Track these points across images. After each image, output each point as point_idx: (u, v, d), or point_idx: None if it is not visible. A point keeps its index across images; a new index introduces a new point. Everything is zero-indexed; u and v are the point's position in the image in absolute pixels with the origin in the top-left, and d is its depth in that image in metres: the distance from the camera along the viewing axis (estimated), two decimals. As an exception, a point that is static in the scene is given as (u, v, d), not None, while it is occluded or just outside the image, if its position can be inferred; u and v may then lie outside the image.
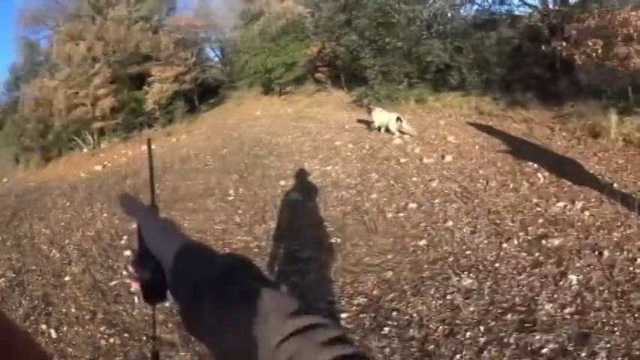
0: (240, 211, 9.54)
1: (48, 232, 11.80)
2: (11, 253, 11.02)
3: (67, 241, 10.57)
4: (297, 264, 6.68)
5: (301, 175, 10.66)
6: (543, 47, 12.54)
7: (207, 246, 0.92)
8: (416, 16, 15.70)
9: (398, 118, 12.21)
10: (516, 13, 15.49)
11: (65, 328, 6.62)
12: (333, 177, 10.35)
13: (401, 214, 7.69)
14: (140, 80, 25.50)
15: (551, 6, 13.59)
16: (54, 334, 6.53)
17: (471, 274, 5.49)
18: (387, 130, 12.46)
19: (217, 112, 25.47)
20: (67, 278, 8.44)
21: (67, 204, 14.41)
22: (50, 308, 7.45)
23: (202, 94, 28.08)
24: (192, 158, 15.50)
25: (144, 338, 5.80)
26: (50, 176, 21.30)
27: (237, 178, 11.91)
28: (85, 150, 24.77)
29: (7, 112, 27.55)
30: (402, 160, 10.46)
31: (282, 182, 10.62)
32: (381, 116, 12.80)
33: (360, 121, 14.64)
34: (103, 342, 6.06)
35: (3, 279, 9.59)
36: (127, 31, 24.91)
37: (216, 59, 32.71)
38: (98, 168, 19.57)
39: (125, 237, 9.63)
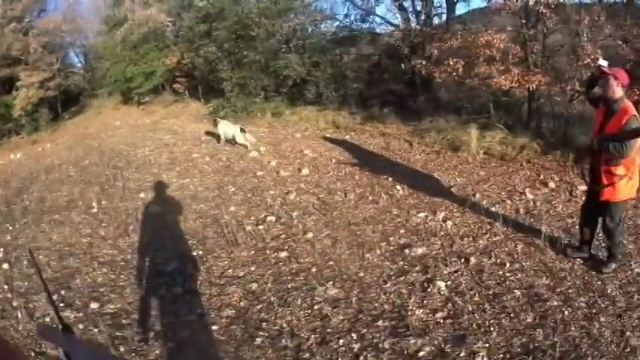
0: (104, 224, 9.40)
1: None
2: None
3: None
4: (162, 277, 6.67)
5: (160, 187, 10.64)
6: (403, 65, 12.90)
7: None
8: (276, 30, 15.84)
9: (242, 130, 12.57)
10: (377, 31, 15.99)
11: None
12: (191, 190, 10.35)
13: (260, 227, 7.75)
14: (10, 84, 24.16)
15: (413, 25, 14.02)
16: None
17: (336, 284, 5.61)
18: (234, 141, 12.72)
19: (79, 121, 24.58)
20: None
21: None
22: None
23: (65, 102, 26.99)
24: (56, 168, 14.83)
25: (32, 354, 5.49)
26: None
27: (99, 190, 11.60)
28: None
29: None
30: (259, 173, 10.57)
31: (142, 195, 10.55)
32: (227, 128, 13.12)
33: (208, 133, 14.67)
34: None
35: None
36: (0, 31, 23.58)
37: (79, 65, 31.53)
38: None
39: (2, 249, 9.14)
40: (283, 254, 6.66)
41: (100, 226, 9.29)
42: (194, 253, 7.30)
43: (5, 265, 8.28)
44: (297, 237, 7.12)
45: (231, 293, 5.92)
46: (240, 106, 15.54)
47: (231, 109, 15.69)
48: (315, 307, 5.24)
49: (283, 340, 4.79)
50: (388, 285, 5.41)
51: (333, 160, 10.54)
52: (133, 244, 8.12)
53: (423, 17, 14.13)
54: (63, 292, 6.92)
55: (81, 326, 5.84)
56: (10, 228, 10.40)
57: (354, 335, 4.66)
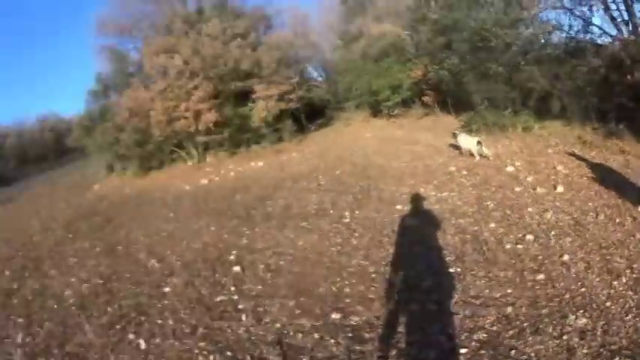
0: (356, 234, 9.60)
1: (147, 241, 12.19)
2: (100, 260, 11.39)
3: (168, 252, 10.86)
4: (416, 292, 6.67)
5: (417, 200, 10.76)
6: (628, 77, 12.65)
7: None
8: (512, 41, 15.78)
9: (478, 142, 13.07)
10: (599, 42, 15.29)
11: (158, 340, 6.77)
12: (449, 204, 10.31)
13: (519, 246, 7.60)
14: (243, 97, 25.74)
15: (625, 35, 13.53)
16: (143, 345, 6.71)
17: (586, 313, 5.43)
18: (471, 153, 13.24)
19: (326, 132, 25.71)
20: (166, 289, 8.64)
21: (171, 215, 14.85)
22: (142, 318, 7.64)
23: (309, 114, 28.36)
24: (304, 177, 15.61)
25: (248, 358, 5.86)
26: (150, 186, 21.78)
27: (352, 200, 11.92)
28: (189, 163, 25.24)
29: (95, 121, 27.61)
30: (517, 189, 10.39)
31: (398, 206, 10.66)
32: (466, 141, 13.66)
33: (451, 145, 14.92)
34: (200, 358, 6.18)
35: (86, 285, 9.81)
36: (223, 47, 25.08)
37: (319, 79, 32.80)
38: (204, 182, 19.85)
39: (234, 252, 9.92)
40: (540, 277, 6.50)
41: (352, 236, 9.52)
42: (451, 270, 7.22)
43: (236, 268, 8.93)
44: (554, 259, 6.94)
45: (485, 315, 5.81)
46: (491, 120, 15.64)
47: (483, 122, 15.85)
48: (564, 337, 5.10)
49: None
50: (629, 317, 5.23)
51: (584, 178, 10.24)
52: (386, 257, 8.14)
53: (630, 27, 13.40)
54: (302, 299, 7.21)
55: (316, 336, 6.06)
56: (248, 232, 11.11)
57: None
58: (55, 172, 41.95)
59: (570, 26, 15.63)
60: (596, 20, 14.70)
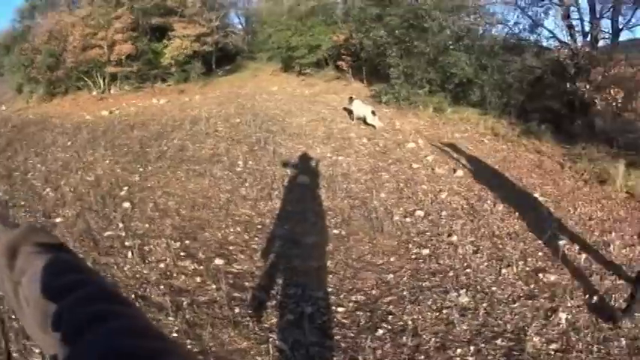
0: (246, 184, 9.50)
1: (43, 169, 11.73)
2: None
3: (62, 182, 10.46)
4: (298, 248, 6.68)
5: (312, 159, 10.76)
6: (568, 85, 12.67)
7: None
8: (447, 25, 15.69)
9: (373, 112, 13.22)
10: (544, 44, 15.74)
11: (43, 270, 6.52)
12: (343, 167, 10.30)
13: (407, 219, 7.64)
14: (160, 32, 25.20)
15: (579, 45, 13.81)
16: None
17: (469, 293, 5.50)
18: (364, 120, 13.34)
19: (232, 80, 25.18)
20: (58, 220, 8.31)
21: (69, 143, 14.32)
22: None
23: (220, 59, 27.82)
24: (203, 120, 15.36)
25: (132, 296, 5.66)
26: (53, 112, 21.01)
27: (247, 150, 11.80)
28: (94, 92, 24.46)
29: (16, 41, 26.42)
30: (414, 166, 10.39)
31: (292, 162, 10.65)
32: (360, 108, 13.75)
33: (345, 109, 14.95)
34: None
35: None
36: (155, -19, 24.38)
37: (239, 26, 32.55)
38: (105, 113, 19.34)
39: (126, 188, 9.66)
40: (425, 251, 6.54)
41: (243, 185, 9.47)
42: (336, 231, 7.22)
43: (126, 204, 8.72)
44: (442, 238, 7.00)
45: (365, 279, 5.86)
46: (404, 95, 15.48)
47: (394, 95, 15.68)
48: (444, 311, 5.15)
49: (404, 338, 4.73)
50: (515, 305, 5.33)
51: (489, 168, 10.24)
52: (273, 210, 8.16)
53: (588, 39, 13.89)
54: (187, 242, 7.11)
55: (198, 279, 6.00)
56: (141, 169, 10.97)
57: (471, 348, 4.61)
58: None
59: (517, 23, 16.20)
60: (548, 24, 15.31)
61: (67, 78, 24.48)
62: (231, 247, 6.88)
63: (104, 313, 0.74)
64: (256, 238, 7.14)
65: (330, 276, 5.96)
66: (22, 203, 9.37)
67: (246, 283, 5.86)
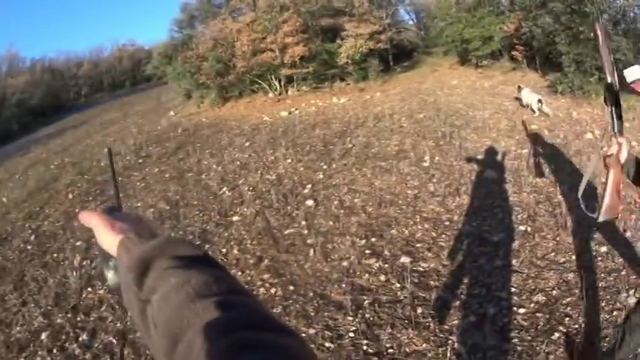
0: (434, 180, 9.43)
1: (219, 170, 12.39)
2: (168, 185, 11.68)
3: (241, 182, 11.01)
4: (486, 246, 6.61)
5: (497, 153, 10.58)
6: None
7: None
8: (604, 9, 15.33)
9: (539, 100, 13.23)
10: None
11: (220, 270, 7.05)
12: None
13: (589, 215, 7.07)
14: (332, 33, 25.63)
15: None
16: (204, 274, 6.96)
17: (636, 294, 5.04)
18: (531, 108, 13.43)
19: (411, 76, 25.14)
20: (235, 218, 8.79)
21: (247, 144, 14.99)
22: (206, 246, 7.71)
23: (396, 56, 27.96)
24: (386, 117, 15.43)
25: (310, 294, 5.90)
26: (227, 115, 21.83)
27: (433, 145, 11.69)
28: (270, 95, 25.03)
29: (178, 50, 27.35)
30: (593, 157, 9.50)
31: (479, 157, 10.46)
32: (529, 96, 13.81)
33: (515, 98, 14.96)
34: (262, 290, 6.28)
35: (152, 209, 10.14)
36: (317, -17, 24.67)
37: (411, 22, 32.66)
38: (284, 114, 19.81)
39: (309, 186, 10.00)
40: (603, 249, 6.07)
41: (430, 181, 9.37)
42: (522, 228, 6.98)
43: (309, 202, 9.01)
44: (618, 234, 6.36)
45: (547, 278, 5.63)
46: (577, 84, 15.20)
47: (568, 85, 15.43)
48: (614, 313, 4.80)
49: (576, 341, 4.55)
50: None
51: None
52: (462, 206, 8.02)
53: None
54: (373, 240, 7.21)
55: (382, 278, 6.10)
56: (325, 167, 11.20)
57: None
58: (130, 99, 41.70)
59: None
60: None
61: (239, 82, 25.23)
62: (418, 245, 6.92)
63: (254, 343, 0.66)
64: (444, 236, 7.11)
65: (515, 275, 5.82)
66: (195, 203, 9.99)
67: (432, 282, 5.89)
